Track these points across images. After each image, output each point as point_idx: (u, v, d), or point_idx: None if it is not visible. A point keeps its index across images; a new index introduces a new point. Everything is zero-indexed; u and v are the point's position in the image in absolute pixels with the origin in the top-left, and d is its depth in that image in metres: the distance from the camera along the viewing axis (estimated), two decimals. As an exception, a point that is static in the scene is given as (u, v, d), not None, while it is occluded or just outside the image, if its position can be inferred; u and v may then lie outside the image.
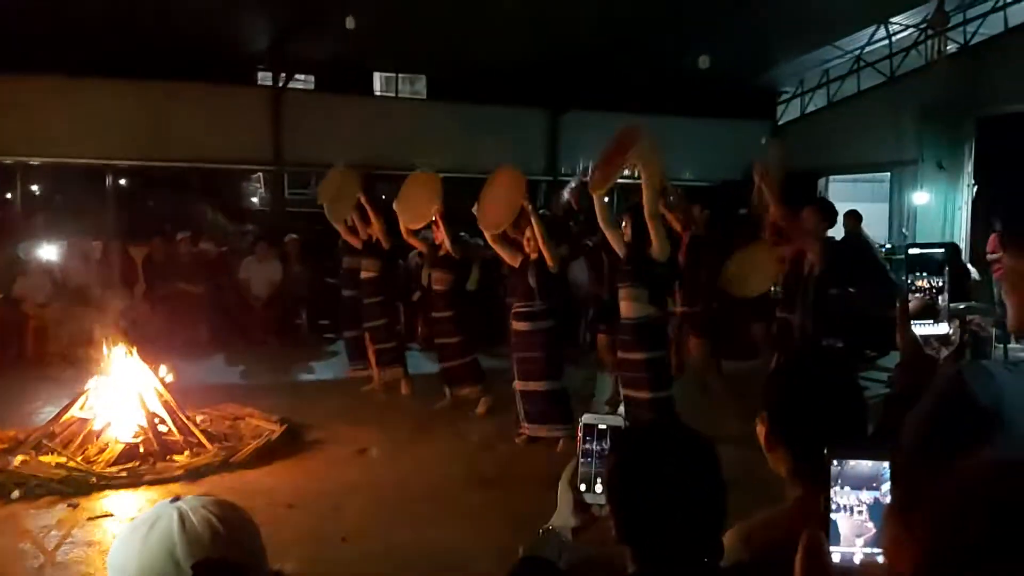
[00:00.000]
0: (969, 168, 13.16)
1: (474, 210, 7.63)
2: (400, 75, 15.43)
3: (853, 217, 10.45)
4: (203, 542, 1.37)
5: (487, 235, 7.27)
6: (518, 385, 7.05)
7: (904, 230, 13.75)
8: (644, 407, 6.24)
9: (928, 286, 2.02)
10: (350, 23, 11.07)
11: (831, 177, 16.02)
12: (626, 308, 6.41)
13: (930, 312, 2.01)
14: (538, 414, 6.97)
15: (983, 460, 0.91)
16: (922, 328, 2.05)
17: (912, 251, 2.05)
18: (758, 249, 7.38)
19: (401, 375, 8.81)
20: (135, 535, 1.40)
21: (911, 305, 2.01)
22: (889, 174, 14.73)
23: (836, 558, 1.17)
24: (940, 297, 2.01)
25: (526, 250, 7.05)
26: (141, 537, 1.39)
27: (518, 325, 7.07)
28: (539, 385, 6.94)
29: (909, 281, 2.04)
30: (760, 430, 1.85)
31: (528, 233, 6.97)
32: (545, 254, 6.86)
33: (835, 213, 7.13)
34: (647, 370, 6.33)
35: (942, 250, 2.04)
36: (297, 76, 14.17)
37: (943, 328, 2.03)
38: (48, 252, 11.53)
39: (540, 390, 6.94)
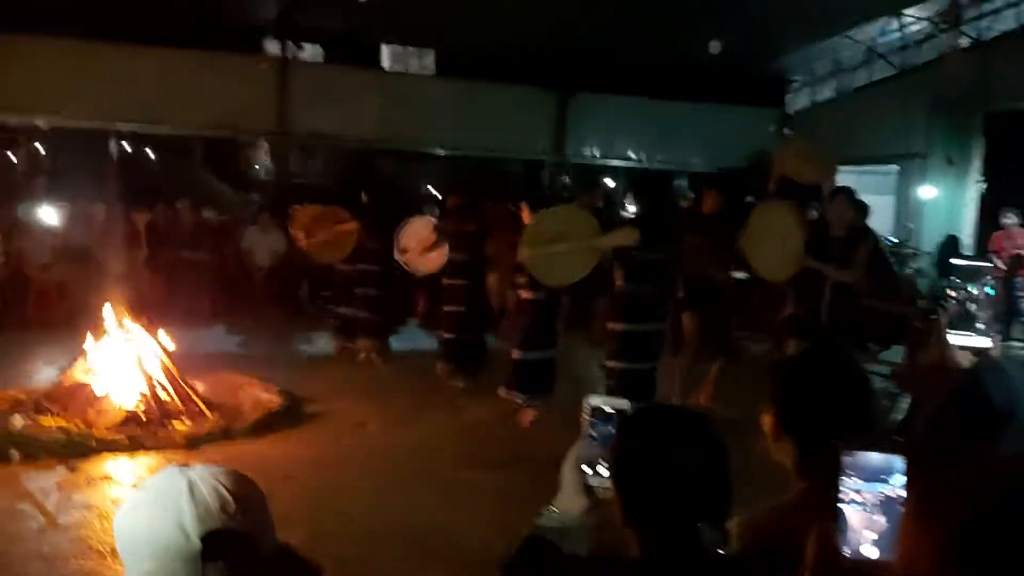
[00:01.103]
0: (977, 164, 13.10)
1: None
2: (409, 49, 15.34)
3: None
4: (212, 512, 1.36)
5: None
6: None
7: (909, 224, 13.71)
8: (615, 377, 6.44)
9: (966, 297, 1.99)
10: (360, -6, 11.01)
11: (838, 168, 15.93)
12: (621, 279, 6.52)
13: (967, 323, 1.98)
14: (507, 377, 7.13)
15: (1000, 458, 0.91)
16: (960, 339, 2.00)
17: (955, 262, 2.02)
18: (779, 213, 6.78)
19: (377, 347, 8.94)
20: (143, 502, 1.40)
21: (947, 315, 1.98)
22: (896, 167, 14.67)
23: (847, 552, 1.17)
24: (976, 308, 1.98)
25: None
26: (149, 505, 1.38)
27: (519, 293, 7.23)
28: (515, 353, 7.09)
29: (947, 290, 2.01)
30: (766, 420, 1.85)
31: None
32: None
33: (867, 207, 7.01)
34: (623, 342, 6.48)
35: (990, 264, 2.00)
36: (305, 46, 14.08)
37: (984, 342, 1.98)
38: (50, 214, 11.52)
39: (513, 357, 7.09)
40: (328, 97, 13.73)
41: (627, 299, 6.45)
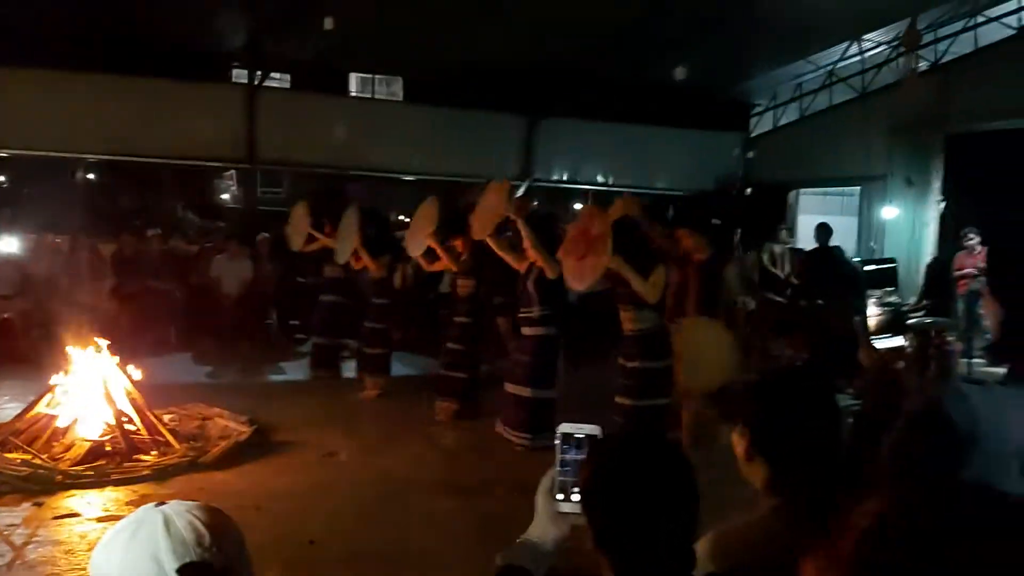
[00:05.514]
0: (937, 184, 13.35)
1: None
2: (377, 76, 15.39)
3: (823, 230, 10.58)
4: (187, 546, 1.37)
5: (490, 242, 7.33)
6: (508, 387, 7.11)
7: (872, 244, 13.93)
8: (626, 414, 6.29)
9: (889, 300, 2.07)
10: (328, 23, 11.03)
11: (801, 190, 16.21)
12: (628, 323, 6.46)
13: (893, 326, 2.06)
14: (510, 417, 7.04)
15: (905, 489, 0.93)
16: (881, 342, 2.09)
17: (868, 267, 2.09)
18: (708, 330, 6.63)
19: (384, 383, 8.80)
20: (119, 538, 1.40)
21: (874, 321, 2.05)
22: (859, 188, 14.92)
23: None
24: (897, 310, 2.07)
25: (529, 257, 7.08)
26: (125, 540, 1.39)
27: (523, 329, 7.17)
28: (522, 390, 6.99)
29: (871, 297, 2.09)
30: (738, 441, 1.88)
31: (526, 241, 7.03)
32: (540, 262, 6.90)
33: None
34: (637, 378, 6.41)
35: (894, 264, 2.09)
36: (273, 75, 14.08)
37: (898, 340, 2.08)
38: (14, 245, 11.37)
39: (521, 395, 6.99)
40: (296, 124, 13.73)
41: None
